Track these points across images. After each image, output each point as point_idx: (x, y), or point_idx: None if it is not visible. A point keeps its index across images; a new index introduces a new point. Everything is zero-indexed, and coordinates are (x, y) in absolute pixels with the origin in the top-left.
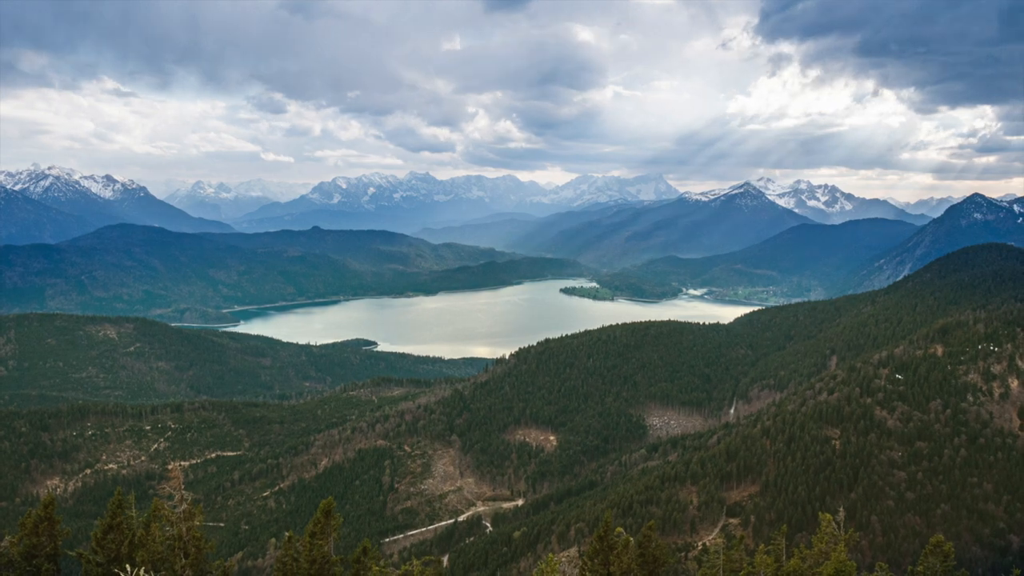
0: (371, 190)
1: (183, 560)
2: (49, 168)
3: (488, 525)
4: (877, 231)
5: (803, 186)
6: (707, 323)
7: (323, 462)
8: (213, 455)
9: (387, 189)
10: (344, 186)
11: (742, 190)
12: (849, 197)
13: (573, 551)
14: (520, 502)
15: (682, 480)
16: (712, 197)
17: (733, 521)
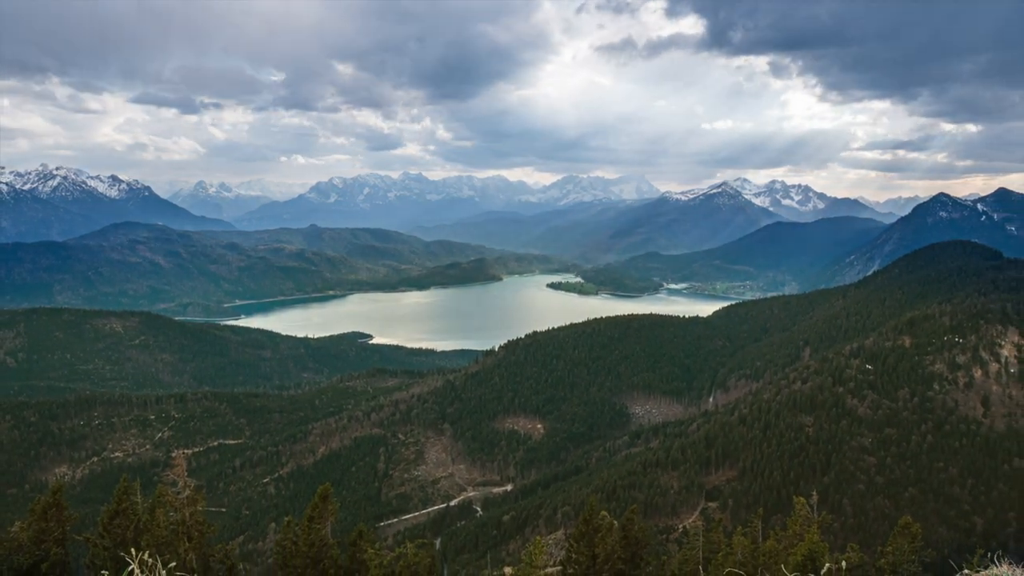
0: (366, 190)
1: (187, 544)
2: (57, 168)
3: (479, 509)
4: (848, 229)
5: (778, 186)
6: (687, 316)
7: (321, 450)
8: (215, 443)
9: (382, 189)
10: (340, 186)
11: (720, 189)
12: (821, 196)
13: (560, 533)
14: (509, 487)
15: (663, 466)
16: (691, 196)
17: (712, 505)
